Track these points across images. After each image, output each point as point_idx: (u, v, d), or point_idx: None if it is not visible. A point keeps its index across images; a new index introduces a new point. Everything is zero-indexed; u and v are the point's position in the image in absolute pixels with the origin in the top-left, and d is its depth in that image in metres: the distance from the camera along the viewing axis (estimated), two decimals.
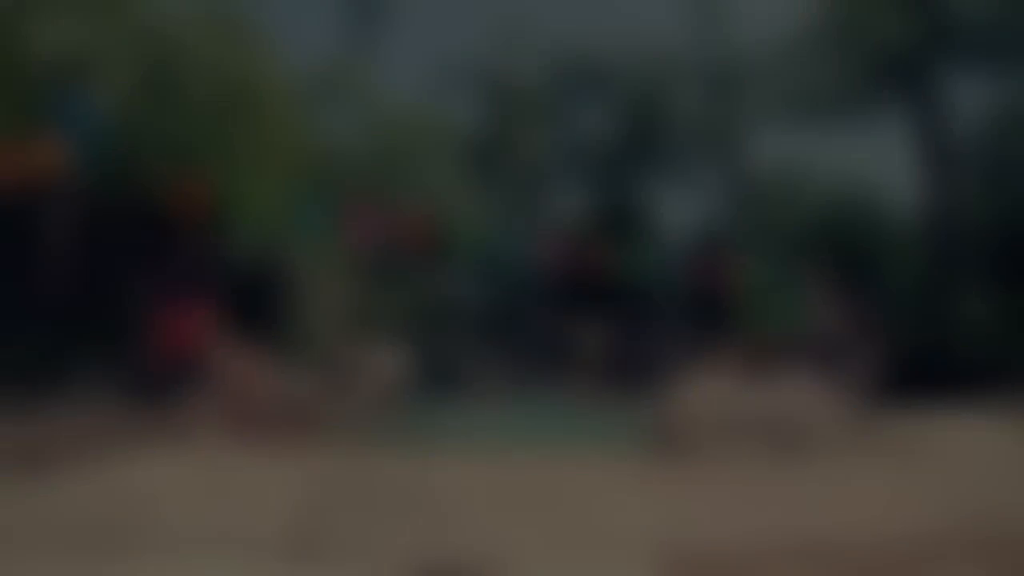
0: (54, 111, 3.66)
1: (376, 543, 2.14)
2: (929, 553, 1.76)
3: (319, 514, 2.32)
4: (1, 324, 3.74)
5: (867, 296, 9.06)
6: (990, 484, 2.69)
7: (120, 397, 3.68)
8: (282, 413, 5.87)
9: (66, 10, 3.48)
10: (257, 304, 9.49)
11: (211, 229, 6.98)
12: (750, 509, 2.42)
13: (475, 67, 17.86)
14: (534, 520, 2.39)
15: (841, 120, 11.26)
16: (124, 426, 3.17)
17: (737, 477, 2.95)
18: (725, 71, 16.73)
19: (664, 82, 17.82)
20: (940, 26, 10.25)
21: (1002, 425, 4.43)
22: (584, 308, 13.81)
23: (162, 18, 3.88)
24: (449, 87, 17.66)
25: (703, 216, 21.23)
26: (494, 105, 17.44)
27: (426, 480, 2.90)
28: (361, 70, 15.62)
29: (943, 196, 9.80)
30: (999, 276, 9.52)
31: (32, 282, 4.13)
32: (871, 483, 2.80)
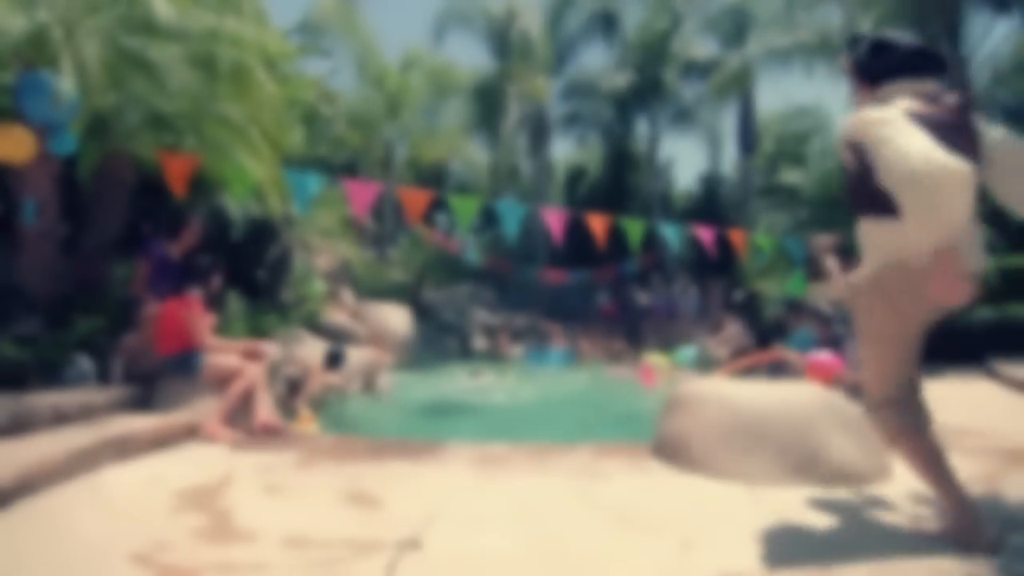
0: (22, 95, 3.43)
1: None
2: None
3: None
4: None
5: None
6: None
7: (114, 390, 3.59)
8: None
9: None
10: (253, 268, 9.38)
11: (201, 199, 6.79)
12: None
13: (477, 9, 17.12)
14: None
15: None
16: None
17: None
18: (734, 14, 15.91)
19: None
20: None
21: None
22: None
23: None
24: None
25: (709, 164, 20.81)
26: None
27: None
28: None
29: None
30: None
31: (16, 274, 4.01)
32: None
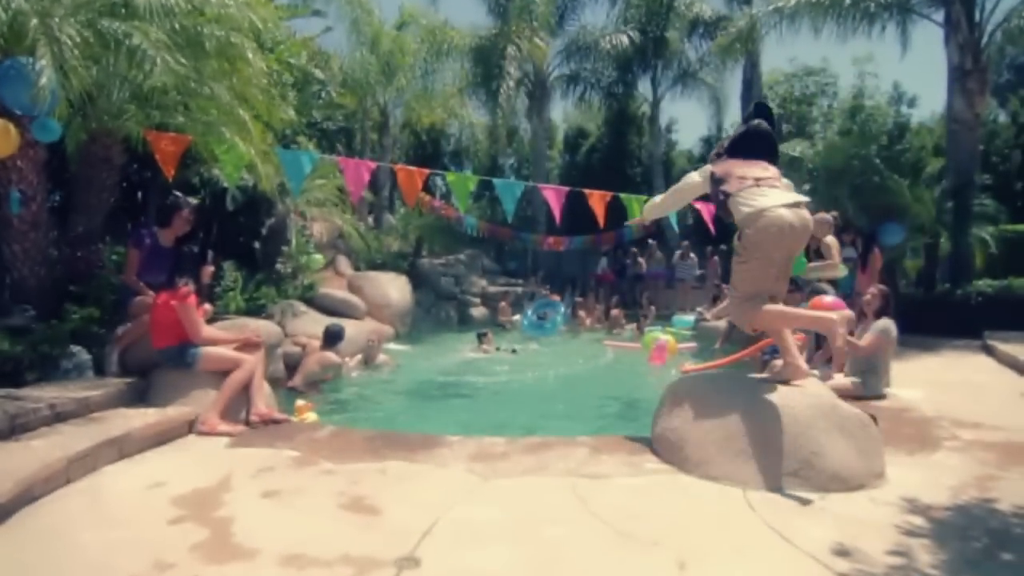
0: (1, 84, 3.30)
1: None
2: None
3: None
4: None
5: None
6: None
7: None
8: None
9: None
10: (248, 239, 9.29)
11: (193, 171, 6.66)
12: None
13: None
14: None
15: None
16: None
17: None
18: None
19: None
20: None
21: None
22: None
23: None
24: None
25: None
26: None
27: None
28: None
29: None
30: None
31: (5, 264, 3.95)
32: None
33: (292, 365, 6.33)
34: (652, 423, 3.36)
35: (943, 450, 3.32)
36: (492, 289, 13.87)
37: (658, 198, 4.08)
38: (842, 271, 6.05)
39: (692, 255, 14.14)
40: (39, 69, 3.13)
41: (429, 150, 20.60)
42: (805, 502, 2.54)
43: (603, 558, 2.10)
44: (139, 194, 6.54)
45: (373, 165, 5.79)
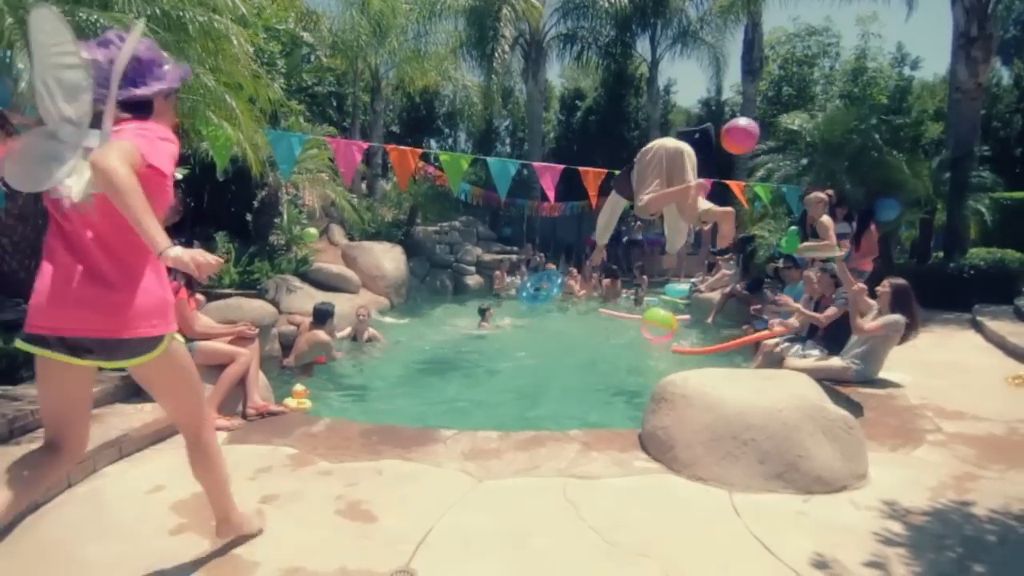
0: None
1: None
2: None
3: None
4: None
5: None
6: None
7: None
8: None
9: None
10: (240, 211, 9.19)
11: (183, 142, 6.55)
12: None
13: None
14: None
15: None
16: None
17: None
18: None
19: None
20: None
21: None
22: None
23: None
24: None
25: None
26: None
27: None
28: None
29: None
30: None
31: None
32: None
33: (287, 344, 6.37)
34: (643, 418, 3.43)
35: (925, 444, 3.41)
36: (487, 257, 13.85)
37: (601, 220, 4.73)
38: (836, 251, 6.06)
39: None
40: (16, 74, 3.03)
41: (422, 112, 20.20)
42: (789, 507, 2.62)
43: (590, 570, 2.18)
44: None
45: (365, 145, 5.69)
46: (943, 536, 2.38)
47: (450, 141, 22.11)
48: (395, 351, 7.17)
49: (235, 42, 4.08)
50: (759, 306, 7.86)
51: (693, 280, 11.64)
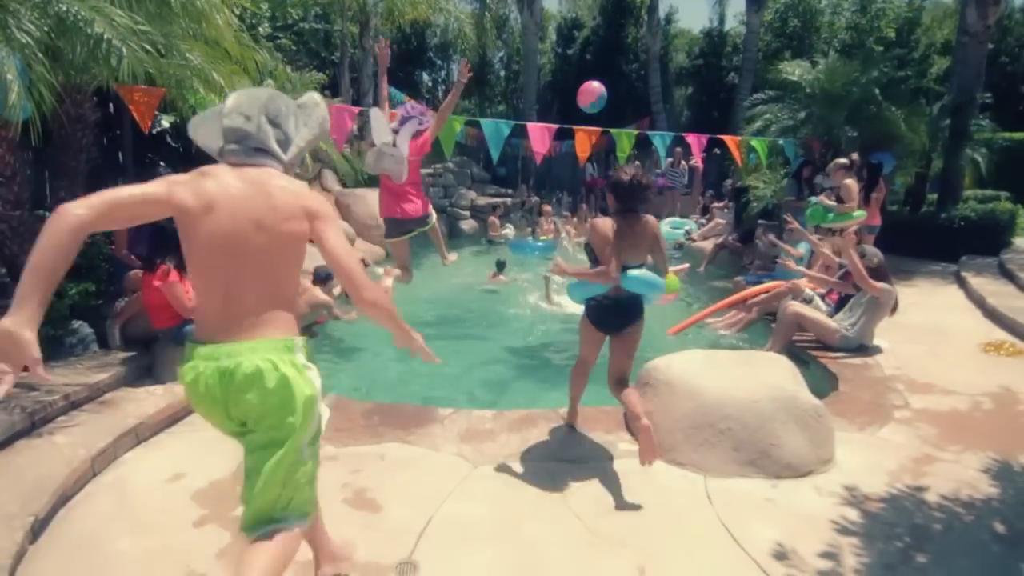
0: None
1: None
2: None
3: None
4: None
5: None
6: None
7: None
8: None
9: None
10: None
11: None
12: None
13: None
14: None
15: None
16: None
17: None
18: None
19: None
20: None
21: None
22: None
23: None
24: None
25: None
26: None
27: None
28: None
29: None
30: None
31: None
32: None
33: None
34: None
35: (892, 423, 3.64)
36: (482, 201, 13.78)
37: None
38: (860, 215, 6.08)
39: (684, 163, 13.94)
40: (6, 83, 3.00)
41: (413, 44, 19.41)
42: (758, 493, 2.87)
43: (574, 560, 2.43)
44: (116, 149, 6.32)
45: (356, 110, 5.60)
46: (894, 524, 2.64)
47: (443, 74, 21.38)
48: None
49: (218, 17, 3.97)
50: (760, 263, 7.90)
51: (686, 229, 11.66)
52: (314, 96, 1.97)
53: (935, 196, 9.35)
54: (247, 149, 1.74)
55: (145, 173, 5.18)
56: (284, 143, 1.82)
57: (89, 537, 2.54)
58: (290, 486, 1.73)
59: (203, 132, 1.86)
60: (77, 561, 2.39)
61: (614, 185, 3.07)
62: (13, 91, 2.87)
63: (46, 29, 3.10)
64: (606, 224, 3.01)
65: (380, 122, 4.31)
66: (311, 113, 1.91)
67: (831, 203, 6.21)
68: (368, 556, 2.44)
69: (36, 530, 2.50)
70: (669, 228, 11.25)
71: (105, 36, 3.18)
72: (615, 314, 3.13)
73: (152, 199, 1.62)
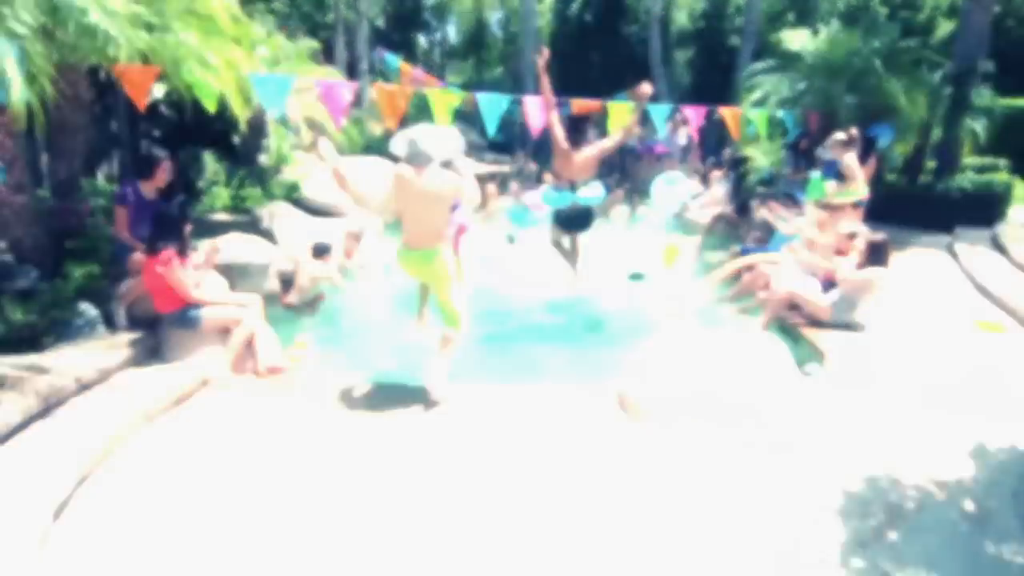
0: None
1: None
2: None
3: None
4: None
5: None
6: None
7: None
8: None
9: None
10: (228, 130, 8.98)
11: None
12: None
13: None
14: None
15: None
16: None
17: None
18: None
19: None
20: None
21: None
22: None
23: None
24: None
25: None
26: None
27: None
28: None
29: None
30: None
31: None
32: None
33: (287, 281, 6.53)
34: (622, 377, 3.75)
35: (875, 398, 3.76)
36: (480, 170, 13.67)
37: None
38: (862, 191, 6.10)
39: (683, 127, 13.79)
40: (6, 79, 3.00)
41: (408, 5, 18.94)
42: (746, 471, 3.00)
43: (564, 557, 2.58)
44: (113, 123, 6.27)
45: (355, 85, 5.57)
46: (870, 502, 2.78)
47: (438, 35, 20.93)
48: (389, 278, 7.22)
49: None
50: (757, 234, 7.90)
51: (683, 190, 11.54)
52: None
53: (933, 164, 9.33)
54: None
55: (139, 143, 5.14)
56: None
57: (105, 519, 2.67)
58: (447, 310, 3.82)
59: None
60: (94, 543, 2.54)
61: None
62: (16, 85, 2.87)
63: (42, 20, 3.08)
64: None
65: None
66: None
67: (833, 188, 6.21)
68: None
69: (56, 512, 2.63)
70: (664, 185, 11.16)
71: (101, 27, 3.16)
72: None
73: None
